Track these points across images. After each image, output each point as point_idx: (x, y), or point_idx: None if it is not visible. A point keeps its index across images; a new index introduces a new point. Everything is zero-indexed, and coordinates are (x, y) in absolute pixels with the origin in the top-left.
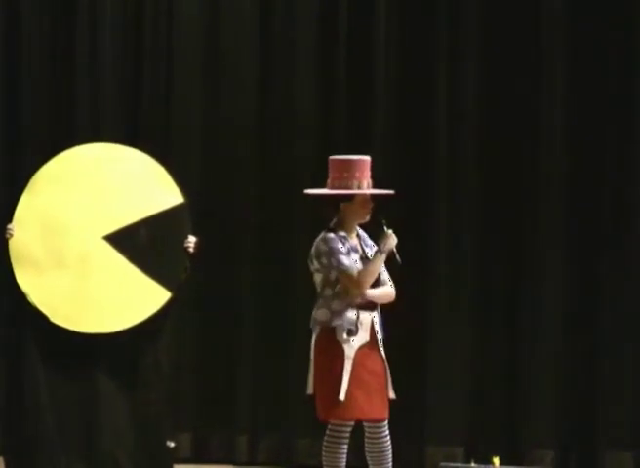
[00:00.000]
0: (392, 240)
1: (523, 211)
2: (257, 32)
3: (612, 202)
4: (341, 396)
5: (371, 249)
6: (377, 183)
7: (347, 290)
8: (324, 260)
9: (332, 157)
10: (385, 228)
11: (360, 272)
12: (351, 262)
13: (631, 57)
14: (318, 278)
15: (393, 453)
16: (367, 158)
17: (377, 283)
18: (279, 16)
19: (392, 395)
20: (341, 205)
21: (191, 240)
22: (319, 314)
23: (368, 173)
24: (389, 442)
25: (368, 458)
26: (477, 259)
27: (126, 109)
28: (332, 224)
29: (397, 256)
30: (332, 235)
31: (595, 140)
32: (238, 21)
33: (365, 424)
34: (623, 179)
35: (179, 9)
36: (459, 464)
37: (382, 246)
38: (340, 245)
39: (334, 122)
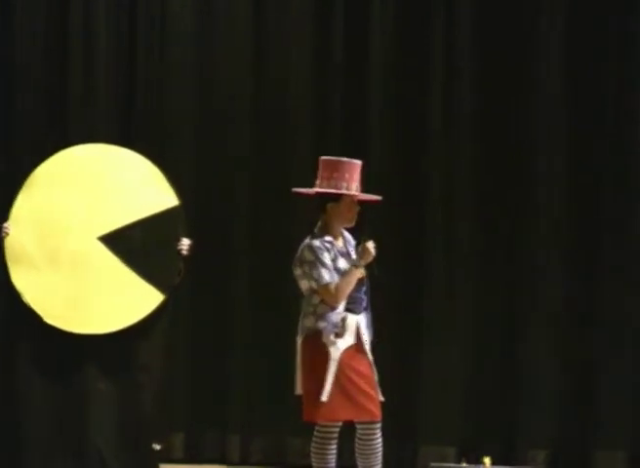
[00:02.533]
0: (370, 254)
1: (521, 212)
2: (250, 31)
3: (612, 202)
4: (324, 397)
5: (354, 251)
6: (372, 186)
7: (327, 300)
8: (306, 269)
9: (323, 157)
10: (365, 240)
11: (337, 287)
12: (331, 276)
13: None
14: (304, 285)
15: (385, 453)
16: (358, 162)
17: None
18: (273, 15)
19: (382, 396)
20: (328, 205)
21: (185, 242)
22: (306, 321)
23: (357, 176)
24: (380, 444)
25: (357, 459)
26: (473, 259)
27: (121, 110)
28: (317, 228)
29: (375, 268)
30: (318, 243)
31: (594, 140)
32: (232, 21)
33: (357, 425)
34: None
35: (172, 9)
36: (450, 464)
37: (360, 259)
38: (325, 255)
39: (330, 122)
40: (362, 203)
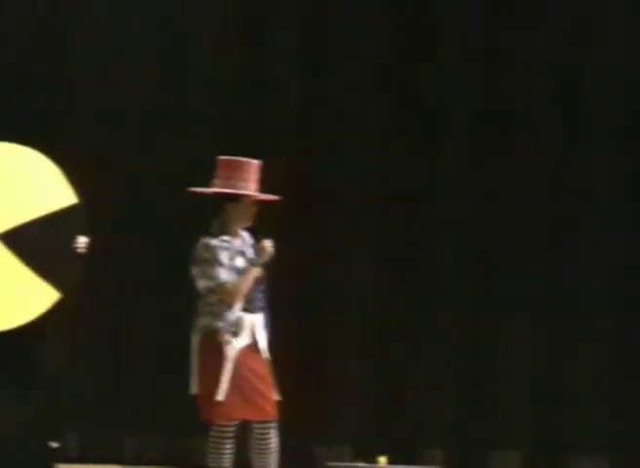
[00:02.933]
0: (267, 252)
1: (425, 213)
2: (154, 31)
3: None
4: (220, 397)
5: (251, 251)
6: (272, 186)
7: (225, 299)
8: (203, 268)
9: (220, 157)
10: (263, 239)
11: (234, 286)
12: (228, 275)
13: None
14: (201, 284)
15: (282, 452)
16: (256, 162)
17: None
18: (176, 15)
19: (279, 396)
20: (226, 205)
21: (81, 240)
22: (202, 320)
23: (256, 176)
24: (275, 443)
25: (253, 458)
26: (368, 254)
27: (21, 107)
28: (214, 227)
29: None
30: (215, 242)
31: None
32: (137, 22)
33: (253, 424)
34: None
35: (82, 6)
36: (346, 463)
37: (258, 258)
38: (223, 254)
39: (230, 122)
40: (261, 203)
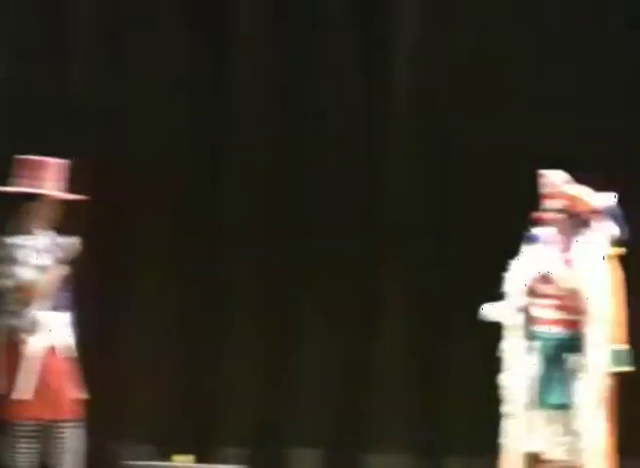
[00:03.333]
0: (71, 251)
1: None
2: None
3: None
4: (16, 395)
5: (55, 250)
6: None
7: (23, 298)
8: (1, 267)
9: (19, 156)
10: (68, 238)
11: (35, 284)
12: (27, 273)
13: None
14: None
15: (83, 452)
16: (57, 161)
17: None
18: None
19: (79, 395)
20: (24, 204)
21: None
22: (2, 320)
23: (57, 175)
24: (72, 442)
25: (49, 458)
26: (175, 252)
27: None
28: (10, 226)
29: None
30: (11, 240)
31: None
32: None
33: (52, 423)
34: None
35: None
36: (144, 462)
37: (62, 257)
38: (20, 252)
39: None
40: (67, 202)
